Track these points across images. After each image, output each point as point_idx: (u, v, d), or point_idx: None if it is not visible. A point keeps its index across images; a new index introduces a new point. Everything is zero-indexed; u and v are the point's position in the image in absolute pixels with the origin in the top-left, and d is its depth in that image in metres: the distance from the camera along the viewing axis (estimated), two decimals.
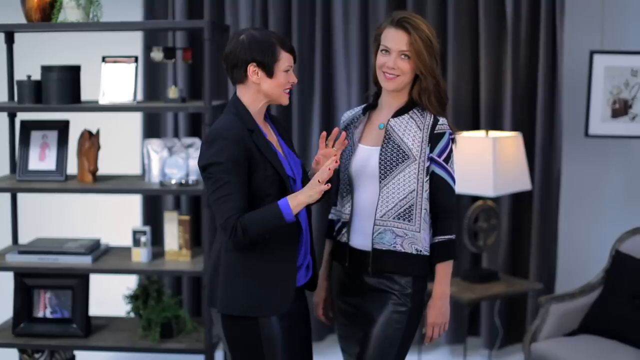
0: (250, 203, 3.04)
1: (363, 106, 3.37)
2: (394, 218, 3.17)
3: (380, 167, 3.18)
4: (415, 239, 3.18)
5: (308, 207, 3.21)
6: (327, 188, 2.97)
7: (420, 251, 3.20)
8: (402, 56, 3.14)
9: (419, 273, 3.22)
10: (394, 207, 3.17)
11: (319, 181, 2.96)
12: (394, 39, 3.15)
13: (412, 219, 3.18)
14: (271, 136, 3.19)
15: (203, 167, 3.03)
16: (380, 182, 3.18)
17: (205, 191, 3.19)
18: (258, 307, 3.09)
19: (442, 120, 3.19)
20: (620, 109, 5.16)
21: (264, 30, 3.15)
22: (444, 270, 3.23)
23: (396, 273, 3.19)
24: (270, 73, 3.09)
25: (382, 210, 3.18)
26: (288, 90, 3.16)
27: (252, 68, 3.07)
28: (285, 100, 3.17)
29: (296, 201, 3.00)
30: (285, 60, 3.11)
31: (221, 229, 3.01)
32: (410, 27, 3.13)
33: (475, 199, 5.09)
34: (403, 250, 3.18)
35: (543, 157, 5.25)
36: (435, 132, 3.17)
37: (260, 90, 3.11)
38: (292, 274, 3.13)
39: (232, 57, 3.09)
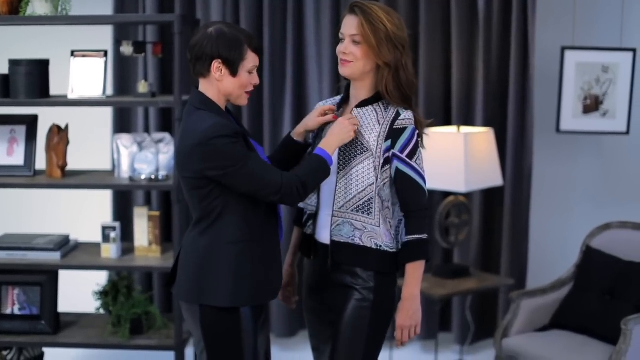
0: (248, 203, 3.04)
1: (338, 98, 3.34)
2: (352, 210, 3.13)
3: (339, 159, 3.15)
4: (375, 233, 3.13)
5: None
6: (357, 124, 3.11)
7: (380, 246, 3.13)
8: (353, 41, 3.10)
9: (380, 269, 3.15)
10: (352, 199, 3.12)
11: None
12: (346, 24, 3.13)
13: (371, 213, 3.13)
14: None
15: (218, 167, 2.96)
16: (337, 173, 3.15)
17: (182, 186, 3.11)
18: (264, 293, 3.11)
19: (404, 114, 3.11)
20: (592, 105, 5.18)
21: (234, 26, 3.10)
22: (413, 271, 3.13)
23: (356, 266, 3.15)
24: (234, 72, 3.04)
25: (340, 202, 3.14)
26: (249, 91, 3.12)
27: (216, 64, 3.03)
28: (244, 101, 3.13)
29: (330, 146, 3.10)
30: (251, 60, 3.07)
31: (281, 196, 3.00)
32: (359, 11, 3.08)
33: (446, 194, 5.10)
34: (362, 244, 3.13)
35: (514, 152, 5.25)
36: (395, 127, 3.11)
37: (220, 88, 3.07)
38: (279, 257, 3.18)
39: (197, 49, 3.05)
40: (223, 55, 3.02)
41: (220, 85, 3.06)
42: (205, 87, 3.09)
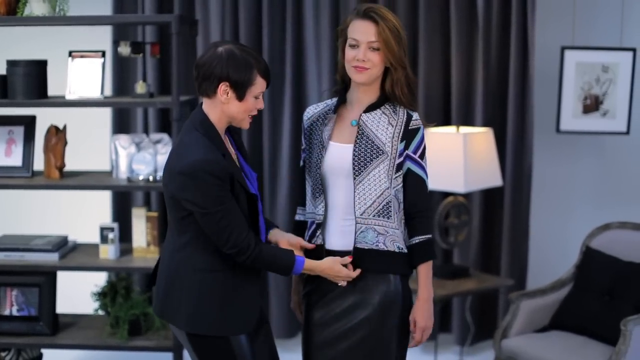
0: None
1: (330, 102, 3.29)
2: (374, 215, 3.10)
3: (354, 164, 3.10)
4: (396, 236, 3.12)
5: (267, 226, 3.21)
6: (353, 277, 3.09)
7: (402, 249, 3.13)
8: (372, 48, 3.07)
9: (403, 272, 3.14)
10: (372, 204, 3.10)
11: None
12: (362, 31, 3.07)
13: (390, 216, 3.11)
14: (231, 150, 3.09)
15: (193, 202, 2.91)
16: (354, 179, 3.10)
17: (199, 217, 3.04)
18: (229, 326, 3.03)
19: (415, 115, 3.13)
20: (592, 105, 5.16)
21: (246, 49, 2.99)
22: (426, 272, 3.15)
23: (383, 272, 3.11)
24: (241, 96, 2.96)
25: (361, 208, 3.10)
26: (252, 116, 3.06)
27: (223, 86, 2.94)
28: (246, 125, 3.06)
29: (313, 270, 3.07)
30: (259, 86, 2.99)
31: (234, 252, 2.94)
32: (378, 17, 3.05)
33: (446, 195, 5.08)
34: (386, 249, 3.11)
35: (514, 153, 5.24)
36: (409, 127, 3.11)
37: (224, 110, 2.99)
38: (258, 293, 3.12)
39: (205, 68, 2.95)
40: (232, 79, 2.93)
41: (225, 107, 2.98)
42: (209, 107, 3.01)
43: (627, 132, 5.15)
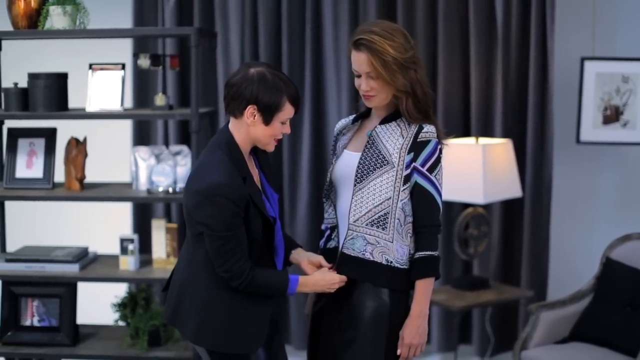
0: None
1: (354, 115, 3.33)
2: (367, 224, 3.10)
3: (356, 172, 3.11)
4: (387, 248, 3.09)
5: (288, 248, 3.23)
6: (343, 284, 3.11)
7: (391, 262, 3.09)
8: (370, 77, 3.07)
9: (389, 285, 3.11)
10: (367, 213, 3.09)
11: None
12: (357, 62, 3.08)
13: (386, 228, 3.09)
14: (254, 171, 3.10)
15: (203, 222, 2.92)
16: (354, 186, 3.11)
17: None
18: (234, 344, 3.04)
19: (427, 127, 3.09)
20: (612, 116, 5.14)
21: (277, 73, 2.98)
22: (423, 288, 3.10)
23: (364, 281, 3.11)
24: (267, 121, 2.96)
25: (355, 215, 3.11)
26: (278, 139, 3.06)
27: (251, 109, 2.94)
28: (271, 148, 3.07)
29: (306, 285, 3.07)
30: (287, 112, 2.99)
31: (227, 277, 2.95)
32: (365, 48, 3.04)
33: (465, 206, 5.08)
34: (372, 259, 3.10)
35: (534, 163, 5.23)
36: (418, 139, 3.08)
37: (250, 132, 2.99)
38: (268, 309, 3.12)
39: (235, 89, 2.95)
40: (260, 102, 2.93)
41: (251, 130, 2.98)
42: (235, 127, 3.01)
43: None
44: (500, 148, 4.88)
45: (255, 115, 2.95)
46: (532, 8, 5.12)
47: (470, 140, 5.03)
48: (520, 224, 5.34)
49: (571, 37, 5.36)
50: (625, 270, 4.55)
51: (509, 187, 4.91)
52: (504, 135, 5.20)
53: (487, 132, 5.28)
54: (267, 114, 2.95)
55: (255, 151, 3.15)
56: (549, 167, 5.20)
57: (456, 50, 5.31)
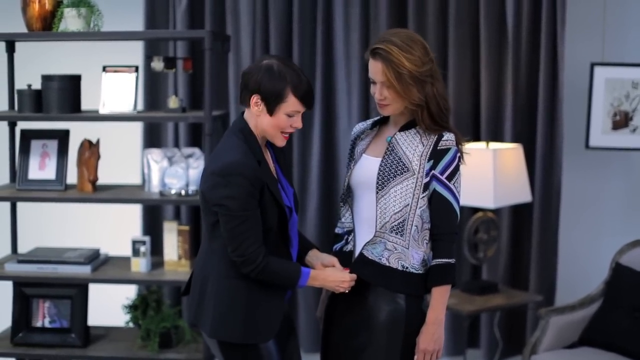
0: None
1: (373, 119, 3.34)
2: (389, 231, 3.11)
3: (378, 178, 3.12)
4: (404, 254, 3.11)
5: (303, 247, 3.25)
6: (353, 283, 3.11)
7: (407, 268, 3.11)
8: (385, 85, 3.07)
9: (403, 290, 3.12)
10: (389, 220, 3.10)
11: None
12: (373, 70, 3.10)
13: (404, 234, 3.11)
14: (270, 163, 3.13)
15: (219, 202, 2.94)
16: (377, 193, 3.12)
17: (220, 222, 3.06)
18: (250, 334, 3.05)
19: (447, 135, 3.11)
20: (621, 121, 5.15)
21: (289, 65, 3.02)
22: (439, 295, 3.11)
23: (377, 285, 3.13)
24: (271, 110, 2.99)
25: (381, 222, 3.12)
26: (287, 134, 3.08)
27: (255, 98, 2.99)
28: (280, 142, 3.08)
29: (317, 280, 3.09)
30: (291, 104, 3.00)
31: (240, 261, 2.97)
32: (381, 58, 3.05)
33: (475, 210, 5.09)
34: (387, 264, 3.11)
35: (543, 168, 5.24)
36: (438, 148, 3.10)
37: (257, 123, 3.04)
38: (282, 299, 3.14)
39: (245, 78, 3.02)
40: (263, 91, 2.98)
41: (258, 120, 3.03)
42: (248, 116, 3.07)
43: None
44: (511, 153, 4.89)
45: (259, 105, 3.00)
46: (543, 13, 5.14)
47: (481, 144, 5.04)
48: (529, 229, 5.35)
49: (581, 43, 5.37)
50: (634, 276, 4.56)
51: (519, 191, 4.92)
52: (514, 140, 5.21)
53: (497, 136, 5.29)
54: (270, 104, 2.99)
55: (272, 145, 3.18)
56: (558, 172, 5.21)
57: (466, 55, 5.33)
